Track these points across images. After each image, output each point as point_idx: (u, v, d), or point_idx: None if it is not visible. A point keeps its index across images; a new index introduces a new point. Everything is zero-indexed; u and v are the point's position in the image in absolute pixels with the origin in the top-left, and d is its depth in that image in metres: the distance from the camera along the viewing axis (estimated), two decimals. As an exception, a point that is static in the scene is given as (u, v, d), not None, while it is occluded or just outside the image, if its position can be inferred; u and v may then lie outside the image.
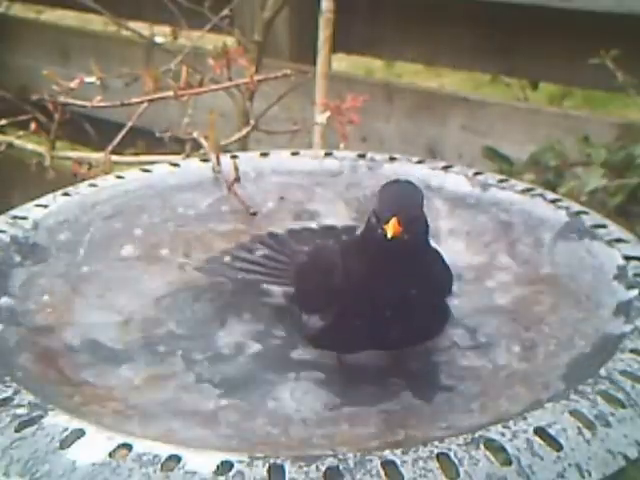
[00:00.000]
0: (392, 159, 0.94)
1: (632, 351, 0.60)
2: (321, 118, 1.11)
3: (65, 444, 0.53)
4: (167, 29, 1.97)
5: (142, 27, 2.13)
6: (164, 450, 0.52)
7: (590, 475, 0.52)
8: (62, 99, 1.12)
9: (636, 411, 0.55)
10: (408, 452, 0.51)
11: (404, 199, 0.63)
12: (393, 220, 0.61)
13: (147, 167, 0.94)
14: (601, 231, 0.77)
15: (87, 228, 0.83)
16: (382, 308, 0.64)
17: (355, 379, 0.67)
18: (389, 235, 0.61)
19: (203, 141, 1.02)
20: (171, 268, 0.81)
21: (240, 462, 0.51)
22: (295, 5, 1.95)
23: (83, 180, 0.95)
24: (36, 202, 0.84)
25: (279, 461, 0.51)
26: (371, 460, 0.50)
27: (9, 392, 0.57)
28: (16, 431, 0.54)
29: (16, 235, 0.78)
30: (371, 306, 0.64)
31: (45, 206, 0.83)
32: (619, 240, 0.75)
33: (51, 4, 2.71)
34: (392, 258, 0.63)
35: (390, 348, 0.68)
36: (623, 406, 0.55)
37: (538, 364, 0.66)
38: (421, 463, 0.50)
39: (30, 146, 1.25)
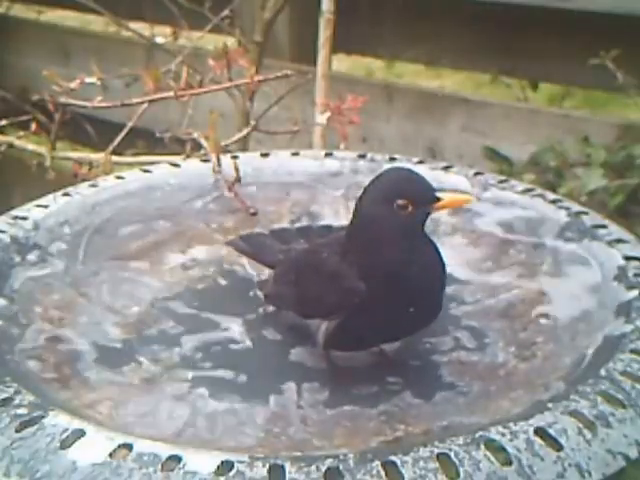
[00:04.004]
0: (392, 159, 0.94)
1: (632, 351, 0.60)
2: (321, 118, 1.11)
3: (65, 444, 0.53)
4: (167, 29, 1.97)
5: (142, 27, 2.13)
6: (164, 450, 0.52)
7: (590, 475, 0.52)
8: (62, 99, 1.12)
9: (636, 411, 0.55)
10: (408, 452, 0.51)
11: (423, 179, 0.65)
12: (447, 195, 0.64)
13: (147, 167, 0.95)
14: (601, 231, 0.77)
15: (87, 229, 0.83)
16: (406, 296, 0.64)
17: (355, 379, 0.67)
18: (469, 201, 0.64)
19: (203, 141, 1.02)
20: (171, 269, 0.82)
21: (240, 462, 0.51)
22: (295, 6, 1.96)
23: (83, 180, 0.95)
24: (36, 202, 0.84)
25: (279, 461, 0.51)
26: (371, 460, 0.51)
27: (9, 392, 0.57)
28: (17, 431, 0.54)
29: (16, 235, 0.78)
30: (393, 297, 0.64)
31: (45, 206, 0.83)
32: (619, 240, 0.75)
33: (51, 4, 2.71)
34: (423, 238, 0.65)
35: (403, 336, 0.68)
36: (623, 406, 0.55)
37: (538, 364, 0.66)
38: (421, 463, 0.50)
39: (30, 146, 1.25)
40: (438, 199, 0.64)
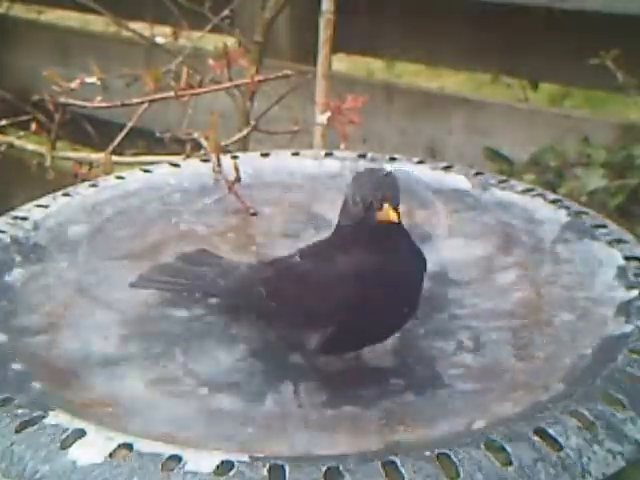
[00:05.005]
0: (392, 159, 0.94)
1: (632, 351, 0.60)
2: (321, 118, 1.11)
3: (66, 444, 0.53)
4: (167, 29, 1.97)
5: (143, 27, 2.13)
6: (164, 450, 0.52)
7: (590, 475, 0.52)
8: (62, 99, 1.12)
9: (636, 411, 0.55)
10: (409, 452, 0.51)
11: (386, 185, 0.64)
12: (387, 205, 0.62)
13: (147, 167, 0.95)
14: (601, 231, 0.77)
15: (87, 228, 0.83)
16: (395, 295, 0.64)
17: (356, 379, 0.67)
18: (394, 219, 0.62)
19: (203, 141, 1.02)
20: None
21: (240, 462, 0.51)
22: (295, 5, 1.95)
23: (84, 180, 0.95)
24: (36, 202, 0.84)
25: (279, 461, 0.51)
26: (371, 460, 0.51)
27: (9, 392, 0.57)
28: (17, 431, 0.54)
29: (17, 235, 0.78)
30: (385, 297, 0.64)
31: (45, 206, 0.83)
32: (619, 240, 0.75)
33: (51, 4, 2.71)
34: (390, 242, 0.64)
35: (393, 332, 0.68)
36: (623, 406, 0.55)
37: (539, 364, 0.66)
38: (422, 463, 0.50)
39: (31, 146, 1.25)
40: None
